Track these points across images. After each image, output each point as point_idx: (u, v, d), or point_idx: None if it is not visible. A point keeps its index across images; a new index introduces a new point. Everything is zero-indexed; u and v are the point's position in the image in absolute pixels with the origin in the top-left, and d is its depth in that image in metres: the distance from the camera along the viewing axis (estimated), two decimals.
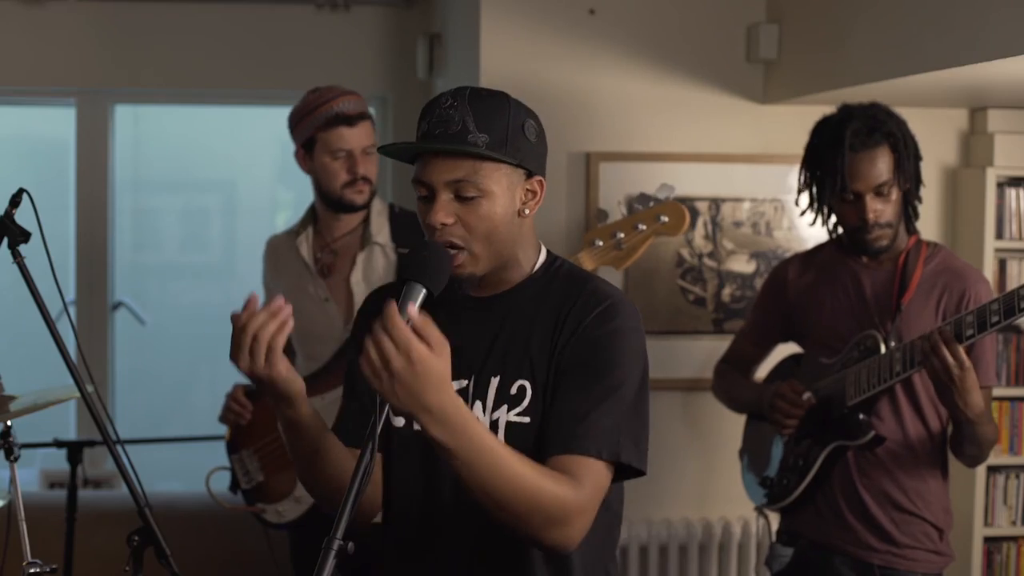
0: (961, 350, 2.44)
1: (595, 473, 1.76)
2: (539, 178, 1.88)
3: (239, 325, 1.72)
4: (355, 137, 3.00)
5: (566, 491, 1.71)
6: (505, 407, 1.85)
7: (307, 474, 1.88)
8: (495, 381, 1.86)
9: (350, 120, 3.00)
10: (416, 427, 1.69)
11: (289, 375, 1.74)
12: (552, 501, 1.69)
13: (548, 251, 1.97)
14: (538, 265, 1.93)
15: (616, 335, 1.82)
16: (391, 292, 2.02)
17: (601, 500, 1.78)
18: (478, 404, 1.86)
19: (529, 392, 1.84)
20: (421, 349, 1.56)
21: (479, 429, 1.65)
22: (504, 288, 1.91)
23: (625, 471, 1.81)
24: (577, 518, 1.73)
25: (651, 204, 3.04)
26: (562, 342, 1.84)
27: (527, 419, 1.83)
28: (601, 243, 3.02)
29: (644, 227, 3.02)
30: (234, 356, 1.73)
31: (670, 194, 3.06)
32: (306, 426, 1.80)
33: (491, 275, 1.87)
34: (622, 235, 3.01)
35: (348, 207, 3.07)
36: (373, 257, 3.09)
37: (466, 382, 1.87)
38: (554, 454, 1.77)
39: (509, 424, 1.84)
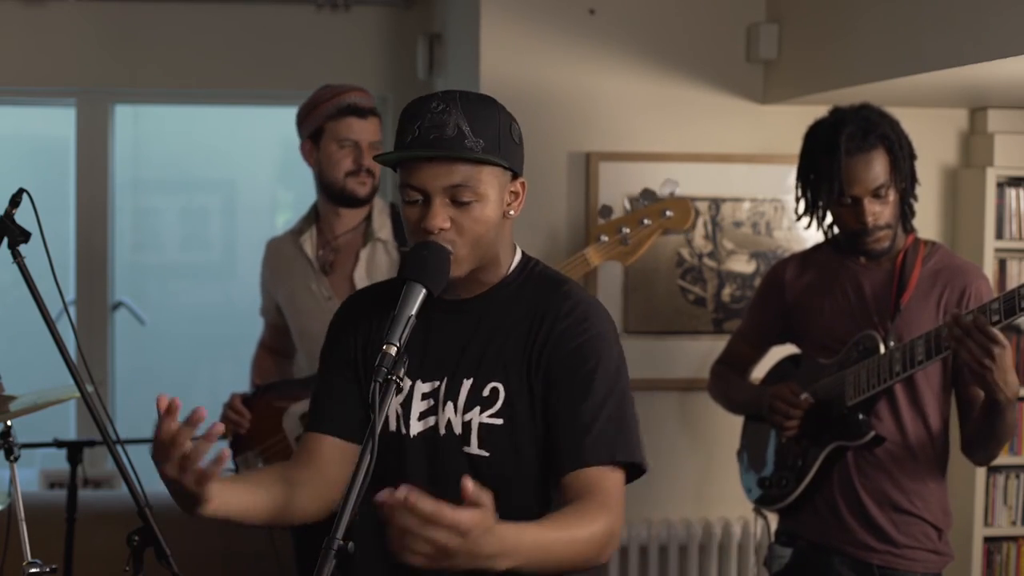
0: (994, 329, 2.42)
1: (614, 480, 1.81)
2: (522, 179, 1.90)
3: (161, 435, 1.68)
4: (364, 129, 3.03)
5: (602, 523, 1.75)
6: (478, 408, 1.86)
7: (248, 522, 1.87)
8: (467, 383, 1.87)
9: (361, 112, 3.03)
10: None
11: (214, 496, 1.74)
12: (599, 541, 1.75)
13: (523, 252, 1.98)
14: (513, 266, 1.94)
15: (597, 340, 1.86)
16: (370, 295, 2.04)
17: (623, 502, 1.83)
18: (450, 404, 1.87)
19: (502, 394, 1.86)
20: (466, 518, 1.53)
21: (524, 536, 1.66)
22: (480, 291, 1.91)
23: (629, 471, 1.85)
24: (616, 534, 1.79)
25: (656, 200, 3.04)
26: (539, 348, 1.86)
27: (500, 421, 1.86)
28: (607, 238, 3.02)
29: (649, 222, 3.03)
30: (156, 457, 1.70)
31: (674, 189, 3.06)
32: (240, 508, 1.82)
33: (469, 276, 1.87)
34: (628, 230, 3.01)
35: (350, 198, 3.07)
36: (376, 254, 3.10)
37: (439, 383, 1.88)
38: (572, 469, 1.81)
39: (482, 425, 1.86)
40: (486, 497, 1.56)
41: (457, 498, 1.87)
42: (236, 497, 1.81)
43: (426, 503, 1.51)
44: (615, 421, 1.82)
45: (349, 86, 3.09)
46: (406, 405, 1.89)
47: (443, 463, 1.87)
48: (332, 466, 1.92)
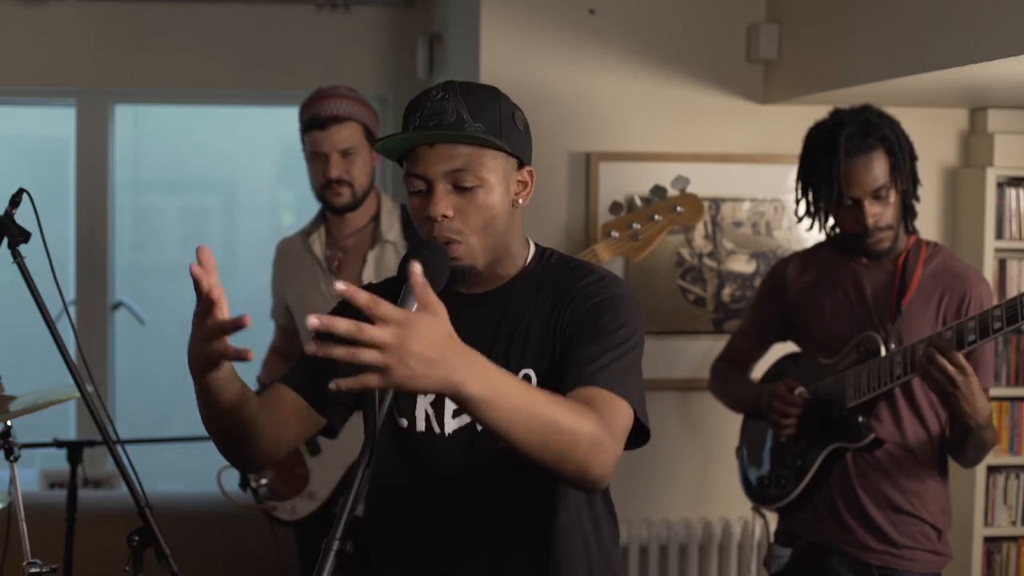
0: (960, 356, 2.44)
1: (621, 409, 1.70)
2: (529, 168, 1.89)
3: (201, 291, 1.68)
4: (327, 140, 3.04)
5: (593, 425, 1.62)
6: None
7: (211, 417, 1.83)
8: None
9: (322, 123, 3.03)
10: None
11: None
12: (583, 436, 1.60)
13: (537, 244, 1.97)
14: (530, 258, 1.94)
15: (619, 298, 1.83)
16: (390, 288, 2.02)
17: (624, 440, 1.71)
18: None
19: (534, 380, 1.84)
20: (406, 311, 1.43)
21: (506, 375, 1.56)
22: (498, 283, 1.91)
23: (633, 432, 1.76)
24: (604, 448, 1.64)
25: (667, 195, 3.05)
26: (562, 313, 1.83)
27: None
28: (617, 234, 3.03)
29: (660, 218, 3.03)
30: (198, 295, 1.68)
31: (685, 186, 3.07)
32: (226, 391, 1.79)
33: (486, 270, 1.86)
34: (638, 226, 3.02)
35: (330, 208, 3.13)
36: (385, 255, 3.11)
37: None
38: (574, 387, 1.71)
39: None
40: (438, 304, 1.48)
41: (493, 489, 1.86)
42: (240, 389, 1.80)
43: (366, 298, 1.40)
44: (625, 366, 1.75)
45: (327, 92, 3.10)
46: (437, 405, 1.88)
47: (479, 456, 1.86)
48: (289, 421, 1.90)
